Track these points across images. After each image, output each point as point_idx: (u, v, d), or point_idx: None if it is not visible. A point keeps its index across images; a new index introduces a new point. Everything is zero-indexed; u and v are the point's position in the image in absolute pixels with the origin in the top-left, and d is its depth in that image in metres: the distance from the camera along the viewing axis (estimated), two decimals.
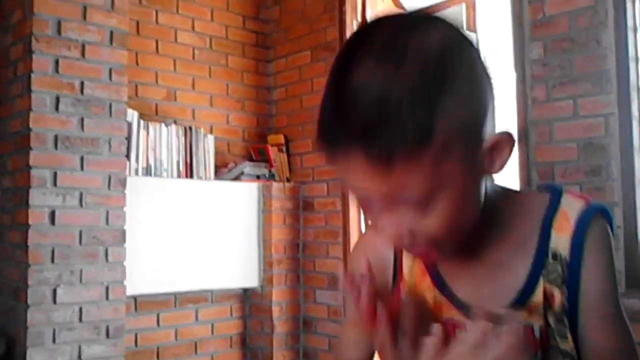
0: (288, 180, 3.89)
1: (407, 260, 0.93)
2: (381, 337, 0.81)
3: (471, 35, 0.78)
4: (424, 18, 0.77)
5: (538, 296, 0.84)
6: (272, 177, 3.86)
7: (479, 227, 0.84)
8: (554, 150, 2.62)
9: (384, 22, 0.77)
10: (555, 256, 0.84)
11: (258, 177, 3.80)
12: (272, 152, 3.90)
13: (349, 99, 0.70)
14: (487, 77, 0.78)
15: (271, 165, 3.88)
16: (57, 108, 2.92)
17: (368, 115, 0.68)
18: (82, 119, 2.98)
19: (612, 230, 0.87)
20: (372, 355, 1.02)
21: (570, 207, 0.85)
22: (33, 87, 2.86)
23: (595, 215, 0.84)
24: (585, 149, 2.54)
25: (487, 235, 0.86)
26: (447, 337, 0.75)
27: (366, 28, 0.77)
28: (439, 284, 0.90)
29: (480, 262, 0.88)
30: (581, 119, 2.55)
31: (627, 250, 2.42)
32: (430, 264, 0.90)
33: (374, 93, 0.69)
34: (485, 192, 0.83)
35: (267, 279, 3.72)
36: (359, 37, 0.76)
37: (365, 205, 0.79)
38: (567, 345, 0.84)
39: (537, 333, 0.85)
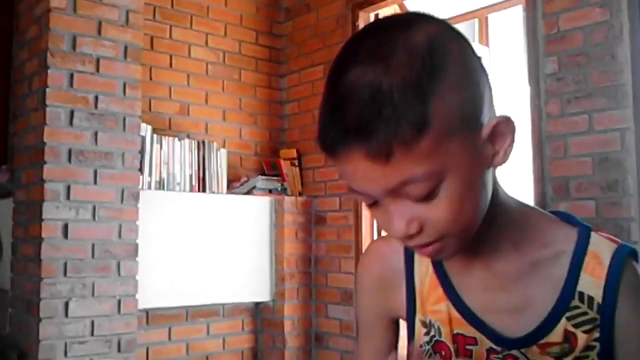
0: (300, 194, 3.89)
1: (418, 272, 0.92)
2: None
3: (461, 31, 0.78)
4: (412, 15, 0.77)
5: (556, 336, 0.82)
6: (284, 191, 3.85)
7: (493, 232, 0.83)
8: (569, 165, 2.60)
9: (374, 25, 0.79)
10: (583, 298, 0.82)
11: (270, 191, 3.80)
12: (285, 166, 3.90)
13: (342, 99, 0.71)
14: (480, 66, 0.77)
15: (283, 180, 3.88)
16: (71, 122, 2.93)
17: (362, 111, 0.68)
18: (96, 133, 2.99)
19: None
20: None
21: (601, 249, 0.84)
22: (48, 102, 2.87)
23: (627, 258, 0.83)
24: (600, 163, 2.52)
25: (504, 247, 0.85)
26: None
27: (358, 33, 0.78)
28: (452, 295, 0.89)
29: (497, 282, 0.86)
30: (597, 134, 2.53)
31: None
32: (440, 269, 0.90)
33: (366, 89, 0.69)
34: (497, 193, 0.83)
35: (279, 293, 3.70)
36: (351, 42, 0.76)
37: (372, 205, 0.77)
38: None
39: None
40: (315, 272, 3.82)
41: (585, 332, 0.82)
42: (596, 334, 0.82)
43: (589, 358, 0.83)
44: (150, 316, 3.41)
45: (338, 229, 3.71)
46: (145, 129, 3.30)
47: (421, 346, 0.92)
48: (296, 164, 3.94)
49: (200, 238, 3.44)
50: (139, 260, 3.07)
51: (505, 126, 0.76)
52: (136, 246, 3.06)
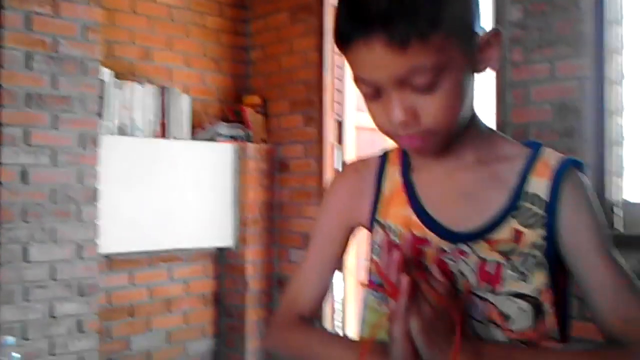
0: (264, 141, 3.88)
1: (387, 184, 1.03)
2: (398, 308, 0.85)
3: None
4: None
5: (503, 233, 0.92)
6: (247, 138, 3.83)
7: (462, 145, 0.96)
8: (529, 111, 2.63)
9: None
10: (531, 198, 0.93)
11: (234, 137, 3.78)
12: (248, 113, 3.87)
13: None
14: None
15: (247, 126, 3.86)
16: (29, 65, 2.86)
17: (388, 6, 0.80)
18: (55, 77, 2.93)
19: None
20: (325, 296, 1.10)
21: (550, 158, 0.96)
22: (4, 43, 2.79)
23: (572, 165, 0.95)
24: (559, 111, 2.56)
25: (468, 159, 0.97)
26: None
27: None
28: (414, 202, 0.99)
29: (456, 187, 0.97)
30: (557, 82, 2.56)
31: None
32: (408, 182, 1.01)
33: None
34: (473, 114, 0.96)
35: (241, 239, 3.73)
36: None
37: (373, 98, 0.89)
38: (528, 288, 0.91)
39: (491, 269, 0.92)
40: (278, 217, 3.84)
41: (531, 229, 0.92)
42: (542, 232, 0.91)
43: (535, 256, 0.91)
44: (112, 261, 3.41)
45: (301, 175, 3.73)
46: (106, 74, 3.24)
47: (377, 245, 1.01)
48: (260, 111, 3.92)
49: (163, 184, 3.42)
50: (101, 205, 3.05)
51: (495, 38, 0.91)
52: (96, 191, 3.03)
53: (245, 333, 3.68)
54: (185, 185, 3.51)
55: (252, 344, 3.70)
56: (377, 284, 0.99)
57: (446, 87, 0.85)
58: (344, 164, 3.60)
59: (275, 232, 3.84)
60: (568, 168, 0.94)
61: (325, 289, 1.10)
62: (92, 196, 3.01)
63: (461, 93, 0.88)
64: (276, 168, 3.86)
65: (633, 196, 2.53)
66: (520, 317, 0.91)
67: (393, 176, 1.03)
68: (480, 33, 0.90)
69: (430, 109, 0.86)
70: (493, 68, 0.92)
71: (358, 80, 0.88)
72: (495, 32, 0.91)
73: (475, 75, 0.92)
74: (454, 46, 0.84)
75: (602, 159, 2.49)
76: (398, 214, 1.00)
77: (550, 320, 0.91)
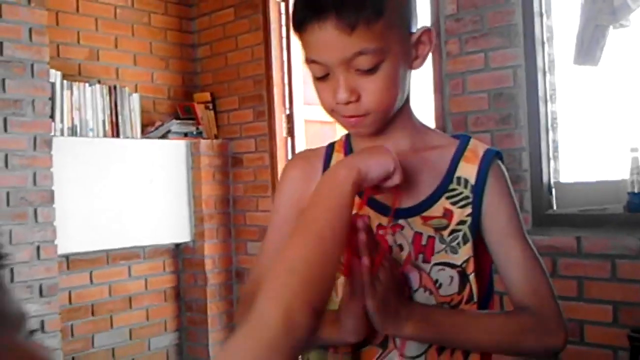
0: (216, 137, 3.95)
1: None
2: (355, 288, 0.96)
3: None
4: None
5: (436, 211, 1.06)
6: (199, 134, 3.90)
7: (397, 133, 1.09)
8: (466, 100, 2.78)
9: None
10: (461, 181, 1.07)
11: (186, 134, 3.84)
12: (199, 109, 3.94)
13: None
14: None
15: (198, 123, 3.92)
16: None
17: None
18: (4, 80, 2.95)
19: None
20: None
21: (477, 147, 1.10)
22: None
23: (495, 155, 1.10)
24: (495, 99, 2.71)
25: (404, 147, 1.09)
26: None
27: None
28: None
29: None
30: (491, 71, 2.71)
31: (533, 191, 2.63)
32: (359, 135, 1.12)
33: None
34: (408, 106, 1.09)
35: (198, 234, 3.80)
36: None
37: (322, 78, 1.01)
38: (456, 258, 1.06)
39: (424, 240, 1.06)
40: (233, 212, 3.92)
41: (460, 207, 1.06)
42: (469, 210, 1.05)
43: (462, 231, 1.05)
44: (70, 261, 3.44)
45: (255, 169, 3.81)
46: (55, 75, 3.27)
47: None
48: (210, 107, 3.98)
49: (117, 183, 3.47)
50: (57, 206, 3.09)
51: (427, 36, 1.03)
52: (52, 193, 3.07)
53: (207, 326, 3.77)
54: (140, 183, 3.56)
55: (214, 337, 3.79)
56: None
57: (385, 72, 0.97)
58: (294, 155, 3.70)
59: (232, 226, 3.92)
60: (493, 156, 1.09)
61: None
62: (48, 198, 3.05)
63: (398, 80, 1.00)
64: (229, 163, 3.94)
65: (565, 177, 2.70)
66: (448, 283, 1.05)
67: (337, 160, 1.14)
68: (416, 30, 1.03)
69: (370, 90, 0.98)
70: (419, 66, 1.05)
71: (310, 61, 1.00)
72: (426, 30, 1.03)
73: (411, 71, 1.05)
74: (393, 36, 0.97)
75: (538, 143, 2.65)
76: None
77: (472, 286, 1.06)
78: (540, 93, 2.65)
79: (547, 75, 2.68)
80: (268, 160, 3.74)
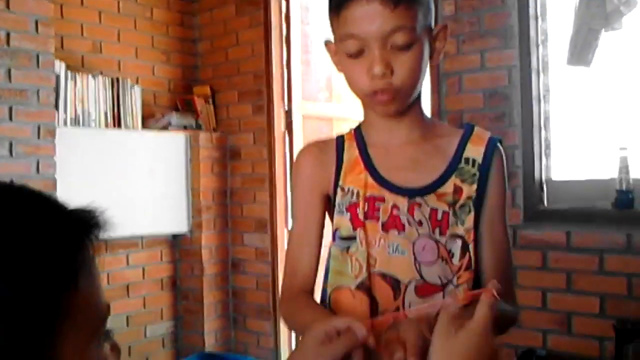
0: (215, 130, 4.02)
1: (346, 155, 1.24)
2: None
3: None
4: None
5: (448, 188, 1.18)
6: (199, 127, 3.97)
7: (411, 124, 1.20)
8: (462, 99, 2.87)
9: None
10: (468, 161, 1.19)
11: (185, 127, 3.90)
12: (199, 103, 4.00)
13: None
14: None
15: (197, 116, 3.99)
16: None
17: None
18: (10, 70, 3.01)
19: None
20: (318, 260, 1.28)
21: (482, 132, 1.23)
22: None
23: (498, 142, 1.23)
24: (490, 98, 2.80)
25: (414, 136, 1.21)
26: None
27: None
28: (370, 168, 1.20)
29: (404, 157, 1.21)
30: (487, 71, 2.81)
31: (525, 187, 2.72)
32: (365, 153, 1.22)
33: None
34: (420, 100, 1.21)
35: (196, 225, 3.87)
36: None
37: (356, 55, 1.11)
38: (461, 229, 1.18)
39: (439, 215, 1.17)
40: (231, 203, 3.99)
41: (468, 184, 1.18)
42: (475, 186, 1.18)
43: (468, 205, 1.17)
44: None
45: (252, 162, 3.89)
46: (59, 66, 3.32)
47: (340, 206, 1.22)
48: (210, 101, 4.05)
49: (118, 173, 3.53)
50: (59, 195, 3.14)
51: (444, 33, 1.18)
52: (55, 181, 3.13)
53: (203, 315, 3.84)
54: (140, 174, 3.63)
55: (209, 325, 3.86)
56: (340, 237, 1.21)
57: (415, 53, 1.10)
58: (292, 151, 3.78)
59: (229, 217, 3.99)
60: (496, 141, 1.22)
61: (317, 253, 1.26)
62: (51, 186, 3.10)
63: (423, 65, 1.13)
64: (228, 156, 4.01)
65: (557, 175, 2.80)
66: (457, 253, 1.17)
67: (350, 150, 1.24)
68: (435, 25, 1.16)
69: (403, 66, 1.10)
70: (435, 61, 1.18)
71: (346, 38, 1.11)
72: (444, 27, 1.17)
73: (427, 65, 1.17)
74: (421, 25, 1.10)
75: (530, 141, 2.74)
76: (356, 179, 1.21)
77: (470, 255, 1.18)
78: (534, 93, 2.74)
79: (541, 75, 2.77)
80: (266, 153, 3.81)
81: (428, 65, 1.17)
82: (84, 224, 0.60)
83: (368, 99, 1.16)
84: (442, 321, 0.84)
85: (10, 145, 3.00)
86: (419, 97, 1.21)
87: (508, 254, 1.24)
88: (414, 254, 1.16)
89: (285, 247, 1.35)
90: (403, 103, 1.16)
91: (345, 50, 1.13)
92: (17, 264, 0.53)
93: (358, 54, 1.11)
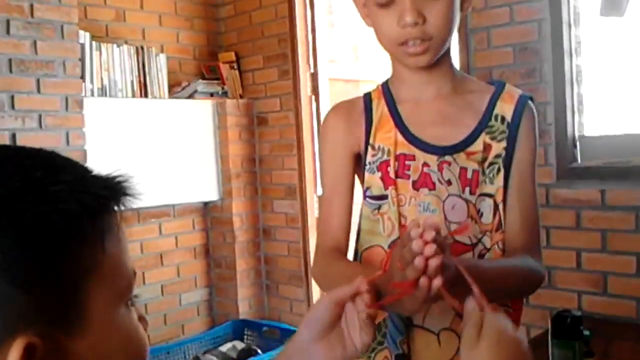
0: (241, 96, 3.99)
1: (375, 112, 1.21)
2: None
3: None
4: None
5: (478, 146, 1.15)
6: (225, 94, 3.95)
7: (441, 77, 1.18)
8: (491, 55, 2.79)
9: None
10: (498, 118, 1.16)
11: (211, 94, 3.89)
12: (224, 69, 3.97)
13: None
14: None
15: (223, 83, 3.96)
16: (8, 31, 2.93)
17: None
18: (35, 42, 3.01)
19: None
20: (350, 218, 1.25)
21: (513, 91, 1.20)
22: None
23: (529, 99, 1.20)
24: (520, 53, 2.71)
25: (445, 90, 1.18)
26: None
27: None
28: (400, 125, 1.18)
29: (434, 112, 1.18)
30: (516, 25, 2.71)
31: (558, 144, 2.64)
32: (394, 109, 1.20)
33: None
34: (450, 53, 1.18)
35: (226, 192, 3.88)
36: None
37: (386, 3, 1.09)
38: (492, 188, 1.15)
39: (469, 174, 1.14)
40: (260, 170, 3.98)
41: (497, 141, 1.15)
42: (504, 144, 1.16)
43: (497, 164, 1.15)
44: None
45: (280, 128, 3.86)
46: (84, 37, 3.32)
47: (370, 164, 1.19)
48: (235, 67, 4.02)
49: (147, 143, 3.54)
50: (89, 166, 3.16)
51: None
52: (85, 152, 3.15)
53: (236, 282, 3.87)
54: (169, 143, 3.63)
55: (242, 292, 3.89)
56: (370, 197, 1.19)
57: (444, 3, 1.08)
58: (319, 115, 3.74)
59: (258, 184, 3.99)
60: (527, 99, 1.18)
61: (348, 212, 1.24)
62: (82, 157, 3.12)
63: (455, 13, 1.11)
64: (255, 122, 3.98)
65: (590, 131, 2.71)
66: (488, 212, 1.15)
67: (379, 107, 1.21)
68: None
69: (435, 13, 1.08)
70: (466, 9, 1.15)
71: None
72: None
73: (459, 15, 1.14)
74: None
75: (562, 97, 2.65)
76: (386, 137, 1.18)
77: (500, 215, 1.15)
78: (566, 46, 2.64)
79: (572, 28, 2.67)
80: (293, 119, 3.78)
81: (458, 17, 1.14)
82: (111, 189, 0.63)
83: (399, 51, 1.13)
84: (467, 331, 0.80)
85: (40, 117, 3.02)
86: (448, 50, 1.18)
87: (535, 212, 1.20)
88: (444, 212, 1.14)
89: (316, 213, 1.35)
90: (435, 54, 1.13)
91: (376, 0, 1.10)
92: (50, 219, 0.55)
93: (388, 3, 1.09)
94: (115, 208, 0.63)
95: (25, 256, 0.54)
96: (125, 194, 0.63)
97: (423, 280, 0.84)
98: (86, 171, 0.64)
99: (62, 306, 0.56)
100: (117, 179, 0.64)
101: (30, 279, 0.54)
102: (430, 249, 0.83)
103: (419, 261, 0.83)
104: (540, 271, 1.16)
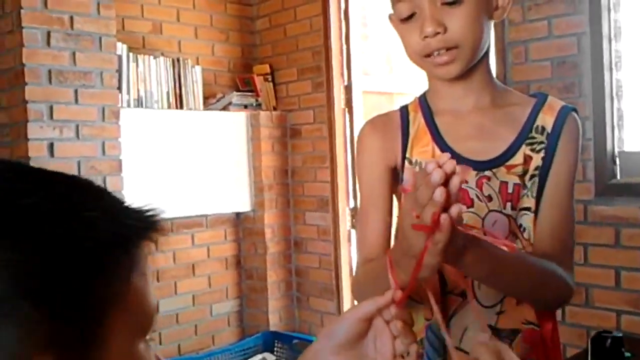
0: (274, 108, 4.01)
1: (412, 125, 1.19)
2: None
3: None
4: None
5: (518, 159, 1.12)
6: (259, 106, 3.96)
7: (480, 88, 1.15)
8: (529, 69, 2.75)
9: None
10: (539, 129, 1.13)
11: (245, 106, 3.91)
12: (258, 81, 3.99)
13: None
14: None
15: (258, 95, 3.98)
16: (49, 43, 2.99)
17: None
18: (74, 53, 3.06)
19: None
20: (389, 231, 1.23)
21: (555, 102, 1.17)
22: (24, 23, 2.92)
23: (572, 111, 1.16)
24: (558, 67, 2.68)
25: (484, 102, 1.16)
26: None
27: None
28: (437, 139, 1.16)
29: (472, 126, 1.15)
30: (555, 39, 2.68)
31: (597, 161, 2.60)
32: (431, 122, 1.17)
33: None
34: (488, 64, 1.17)
35: (258, 204, 3.88)
36: None
37: (409, 16, 1.08)
38: (533, 202, 1.12)
39: (510, 188, 1.11)
40: (292, 182, 3.98)
41: (536, 152, 1.13)
42: (542, 154, 1.13)
43: (537, 176, 1.12)
44: None
45: (313, 140, 3.86)
46: (121, 48, 3.36)
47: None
48: (269, 79, 4.04)
49: (182, 153, 3.56)
50: (124, 176, 3.20)
51: None
52: (120, 162, 3.18)
53: (267, 293, 3.86)
54: (203, 154, 3.66)
55: (273, 304, 3.89)
56: None
57: (468, 7, 1.05)
58: (352, 128, 3.73)
59: (291, 196, 3.99)
60: (570, 111, 1.15)
61: (386, 229, 1.21)
62: (117, 167, 3.16)
63: (481, 21, 1.08)
64: (288, 134, 3.99)
65: (630, 146, 2.66)
66: (529, 226, 1.12)
67: (416, 120, 1.19)
68: None
69: (456, 21, 1.05)
70: (499, 16, 1.12)
71: (397, 1, 1.09)
72: None
73: (491, 22, 1.13)
74: None
75: (602, 112, 2.61)
76: (423, 151, 1.16)
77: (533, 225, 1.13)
78: (605, 61, 2.60)
79: (613, 42, 2.62)
80: (326, 131, 3.78)
81: (490, 22, 1.12)
82: (144, 222, 0.62)
83: (426, 63, 1.12)
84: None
85: (77, 127, 3.06)
86: (485, 59, 1.15)
87: (568, 226, 1.15)
88: (483, 229, 1.10)
89: (347, 225, 1.33)
90: (465, 62, 1.10)
91: (398, 15, 1.10)
92: (83, 246, 0.55)
93: (410, 17, 1.08)
94: (144, 242, 0.62)
95: (54, 280, 0.53)
96: (156, 229, 0.62)
97: (445, 217, 0.78)
98: (120, 201, 0.63)
99: (84, 334, 0.55)
100: (150, 212, 0.63)
101: (56, 304, 0.53)
102: (457, 179, 0.78)
103: (440, 192, 0.77)
104: (568, 282, 1.11)
